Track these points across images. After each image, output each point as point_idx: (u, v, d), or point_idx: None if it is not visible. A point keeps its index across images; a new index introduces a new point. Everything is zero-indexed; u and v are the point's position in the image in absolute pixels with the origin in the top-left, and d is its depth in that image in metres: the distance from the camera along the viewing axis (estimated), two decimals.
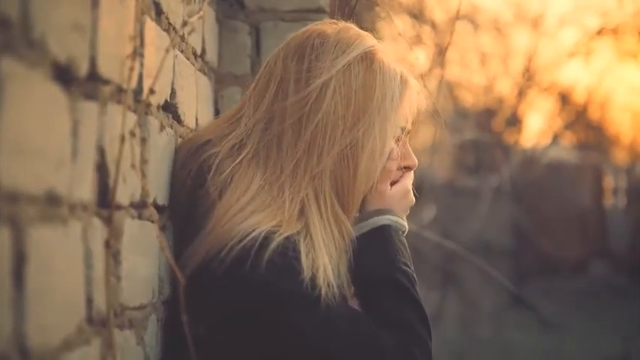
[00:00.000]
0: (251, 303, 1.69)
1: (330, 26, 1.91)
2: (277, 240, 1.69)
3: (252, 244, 1.68)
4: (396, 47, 1.96)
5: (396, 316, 1.79)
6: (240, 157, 1.80)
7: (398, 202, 1.92)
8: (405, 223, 1.92)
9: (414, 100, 1.91)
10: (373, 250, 1.84)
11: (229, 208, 1.73)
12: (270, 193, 1.77)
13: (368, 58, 1.85)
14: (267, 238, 1.68)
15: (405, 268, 1.84)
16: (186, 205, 1.81)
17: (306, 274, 1.69)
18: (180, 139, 1.93)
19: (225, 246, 1.68)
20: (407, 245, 1.89)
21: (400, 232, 1.90)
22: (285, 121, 1.81)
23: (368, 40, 1.89)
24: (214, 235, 1.71)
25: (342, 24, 1.92)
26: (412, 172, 1.96)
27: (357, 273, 1.81)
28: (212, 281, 1.69)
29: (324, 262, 1.73)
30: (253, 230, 1.69)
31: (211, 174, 1.78)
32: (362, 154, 1.81)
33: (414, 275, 1.85)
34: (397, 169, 1.92)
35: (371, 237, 1.86)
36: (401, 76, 1.87)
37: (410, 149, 1.95)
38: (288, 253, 1.69)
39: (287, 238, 1.70)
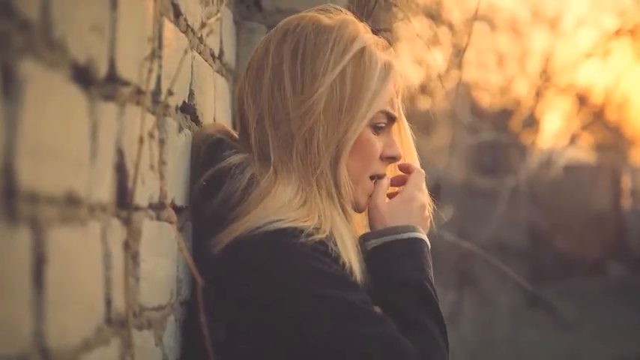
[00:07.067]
0: (280, 285, 1.68)
1: (325, 17, 1.88)
2: (316, 238, 1.70)
3: (292, 237, 1.68)
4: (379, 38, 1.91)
5: (417, 321, 1.77)
6: (267, 170, 1.80)
7: (402, 214, 1.88)
8: (428, 242, 1.89)
9: (395, 84, 1.88)
10: (404, 257, 1.83)
11: (265, 206, 1.73)
12: (297, 196, 1.77)
13: (360, 57, 1.83)
14: (306, 240, 1.69)
15: (431, 280, 1.83)
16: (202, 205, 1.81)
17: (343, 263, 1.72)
18: None
19: (261, 227, 1.68)
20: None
21: (428, 249, 1.87)
22: (295, 132, 1.80)
23: (362, 36, 1.86)
24: (249, 221, 1.70)
25: (337, 15, 1.89)
26: (414, 180, 1.92)
27: (383, 276, 1.81)
28: (246, 257, 1.69)
29: (352, 258, 1.74)
30: (295, 227, 1.70)
31: (238, 182, 1.77)
32: (347, 145, 1.81)
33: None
34: (382, 161, 1.88)
35: (402, 245, 1.84)
36: (385, 65, 1.85)
37: (395, 140, 1.90)
38: (326, 252, 1.71)
39: (323, 239, 1.71)
